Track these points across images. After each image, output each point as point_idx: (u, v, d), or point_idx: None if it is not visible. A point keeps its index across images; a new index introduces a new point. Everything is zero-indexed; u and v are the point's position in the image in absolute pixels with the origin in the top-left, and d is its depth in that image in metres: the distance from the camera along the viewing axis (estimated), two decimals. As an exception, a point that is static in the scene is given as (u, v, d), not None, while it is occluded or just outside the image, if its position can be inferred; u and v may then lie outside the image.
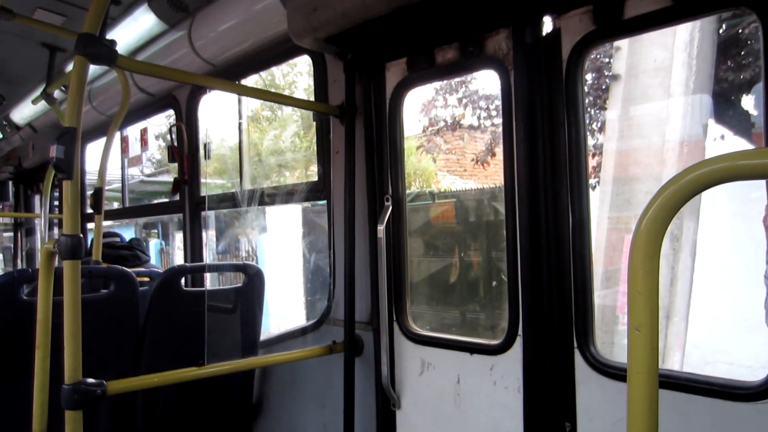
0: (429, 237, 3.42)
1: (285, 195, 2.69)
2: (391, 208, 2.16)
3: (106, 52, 1.57)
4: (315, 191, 2.56)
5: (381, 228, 2.13)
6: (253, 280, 2.58)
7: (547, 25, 1.80)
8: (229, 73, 2.90)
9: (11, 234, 6.85)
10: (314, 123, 2.66)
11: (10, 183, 6.40)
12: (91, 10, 1.56)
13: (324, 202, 2.53)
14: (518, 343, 1.83)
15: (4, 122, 5.02)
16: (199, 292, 2.57)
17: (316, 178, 2.60)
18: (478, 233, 3.66)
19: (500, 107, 1.93)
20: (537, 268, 1.77)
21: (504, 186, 1.86)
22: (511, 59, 1.83)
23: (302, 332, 2.55)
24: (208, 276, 2.99)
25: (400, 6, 1.81)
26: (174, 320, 2.44)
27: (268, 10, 2.39)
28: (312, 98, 2.53)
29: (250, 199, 2.75)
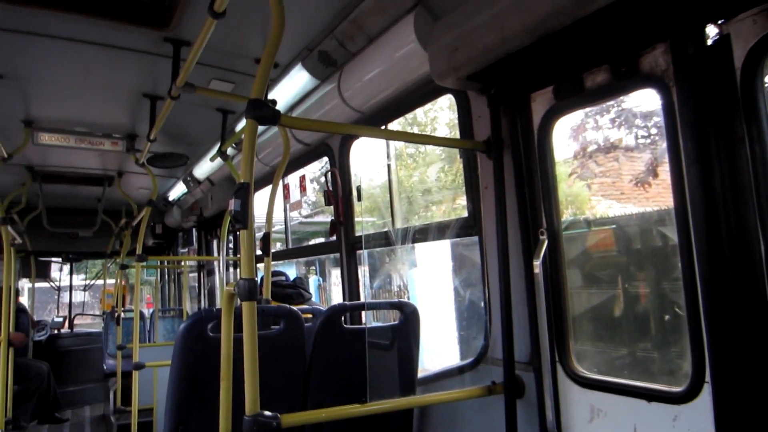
0: (587, 268, 3.20)
1: (436, 232, 2.72)
2: (546, 241, 2.08)
3: (271, 114, 1.73)
4: (466, 227, 2.55)
5: (537, 263, 2.05)
6: (409, 318, 2.62)
7: (711, 32, 1.64)
8: (376, 119, 3.05)
9: (195, 274, 7.74)
10: (459, 158, 2.68)
11: (194, 230, 7.27)
12: (258, 77, 1.74)
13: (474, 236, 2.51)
14: (706, 390, 1.61)
15: (188, 178, 5.76)
16: (359, 329, 2.67)
17: (462, 213, 2.60)
18: (643, 262, 3.34)
19: (662, 125, 1.78)
20: (722, 302, 1.56)
21: (675, 211, 1.69)
22: (671, 75, 1.69)
23: (459, 371, 2.52)
24: (366, 314, 3.10)
25: (543, 35, 1.77)
26: (336, 357, 2.56)
27: (409, 55, 2.48)
28: (455, 132, 2.55)
29: (402, 238, 2.83)
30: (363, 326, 2.84)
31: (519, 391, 2.19)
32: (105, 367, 7.03)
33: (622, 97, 2.30)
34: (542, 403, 2.09)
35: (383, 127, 3.09)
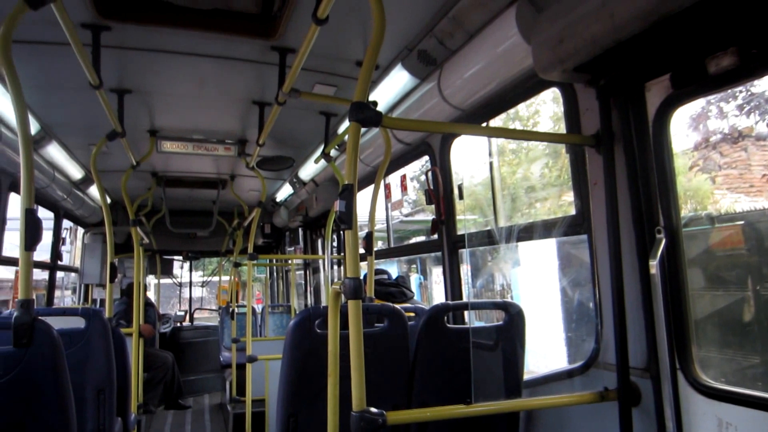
0: (711, 268, 2.95)
1: (541, 230, 2.63)
2: (664, 240, 1.94)
3: (373, 116, 1.76)
4: (573, 225, 2.44)
5: (653, 263, 1.92)
6: (515, 318, 2.56)
7: None
8: (477, 116, 3.00)
9: (302, 272, 8.07)
10: (565, 153, 2.57)
11: (300, 230, 7.57)
12: (360, 80, 1.77)
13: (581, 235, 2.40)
14: None
15: (294, 180, 6.01)
16: (462, 329, 2.65)
17: (569, 210, 2.49)
18: (779, 261, 3.02)
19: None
20: None
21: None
22: None
23: (568, 375, 2.42)
24: (469, 313, 3.06)
25: (659, 20, 1.65)
26: (440, 356, 2.55)
27: (511, 49, 2.41)
28: (560, 126, 2.44)
29: (507, 236, 2.76)
30: (466, 326, 2.80)
31: (635, 398, 2.06)
32: (221, 359, 7.52)
33: (753, 82, 2.09)
34: (661, 412, 1.95)
35: (484, 124, 3.03)
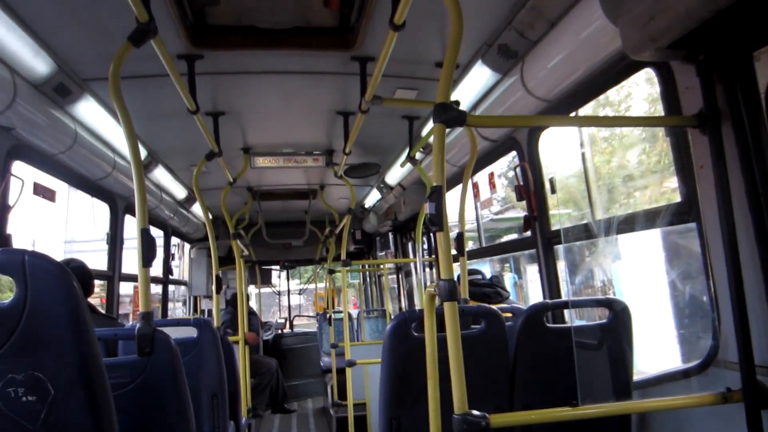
0: None
1: (643, 220, 2.48)
2: None
3: (457, 116, 1.73)
4: (679, 214, 2.27)
5: None
6: (620, 316, 2.42)
7: None
8: (564, 106, 2.89)
9: (394, 276, 8.14)
10: (664, 137, 2.41)
11: (390, 234, 7.65)
12: (441, 81, 1.75)
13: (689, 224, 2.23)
14: None
15: (381, 185, 6.09)
16: (563, 328, 2.55)
17: (673, 197, 2.32)
18: None
19: None
20: None
21: None
22: None
23: (684, 375, 2.25)
24: (570, 312, 2.94)
25: None
26: (541, 356, 2.47)
27: (596, 33, 2.30)
28: (656, 108, 2.29)
29: (605, 229, 2.63)
30: (568, 325, 2.70)
31: (763, 399, 1.88)
32: (322, 364, 7.74)
33: None
34: None
35: (573, 114, 2.92)
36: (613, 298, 2.55)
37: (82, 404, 1.28)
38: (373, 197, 6.90)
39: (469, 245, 4.94)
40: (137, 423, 1.93)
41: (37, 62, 2.75)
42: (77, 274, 2.74)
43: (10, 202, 2.98)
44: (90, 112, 3.40)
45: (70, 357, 1.26)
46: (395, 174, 5.46)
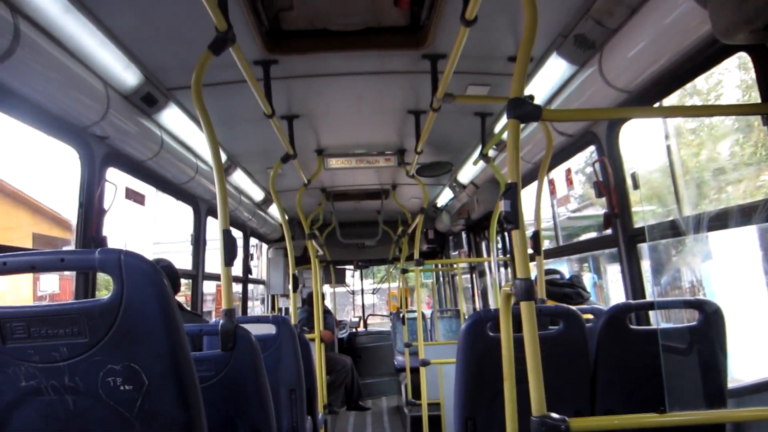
0: None
1: (738, 216, 2.30)
2: None
3: (532, 110, 1.68)
4: (779, 209, 2.10)
5: None
6: (711, 318, 2.27)
7: None
8: (647, 97, 2.74)
9: (467, 276, 8.05)
10: (760, 126, 2.23)
11: (463, 233, 7.57)
12: (515, 75, 1.71)
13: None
14: None
15: (454, 183, 6.03)
16: (648, 331, 2.42)
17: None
18: None
19: None
20: None
21: None
22: None
23: (787, 382, 2.08)
24: (656, 314, 2.79)
25: None
26: (624, 360, 2.35)
27: (682, 18, 2.16)
28: (751, 95, 2.12)
29: (694, 226, 2.47)
30: (653, 327, 2.56)
31: None
32: (396, 363, 7.77)
33: None
34: None
35: (657, 105, 2.76)
36: (704, 299, 2.39)
37: (174, 394, 1.35)
38: (445, 196, 6.85)
39: (546, 244, 4.81)
40: (221, 415, 2.01)
41: (127, 74, 2.93)
42: (166, 272, 2.90)
43: (106, 206, 3.19)
44: (174, 119, 3.59)
45: (162, 350, 1.33)
46: (468, 172, 5.39)
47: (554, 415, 1.55)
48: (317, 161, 4.85)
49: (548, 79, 3.21)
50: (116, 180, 3.29)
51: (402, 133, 4.49)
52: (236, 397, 2.05)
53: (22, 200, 17.00)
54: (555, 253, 4.68)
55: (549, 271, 3.62)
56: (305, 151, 4.63)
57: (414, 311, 7.49)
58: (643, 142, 3.45)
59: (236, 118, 3.90)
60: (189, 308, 4.53)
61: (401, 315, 7.11)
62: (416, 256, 4.76)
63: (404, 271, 6.56)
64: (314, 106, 3.85)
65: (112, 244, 3.27)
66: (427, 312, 8.50)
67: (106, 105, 2.84)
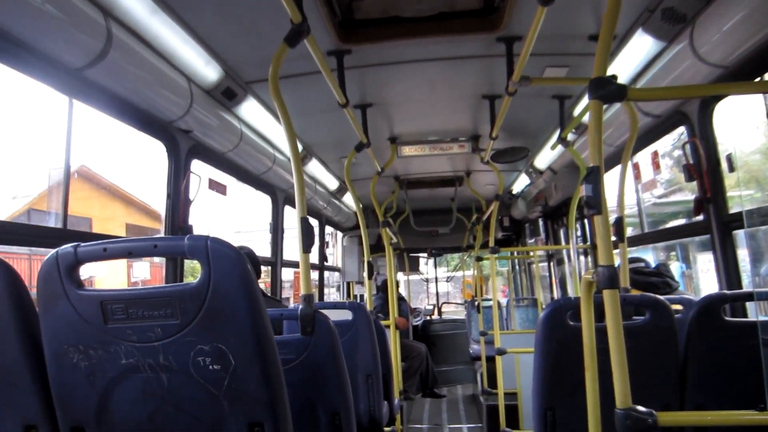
0: None
1: None
2: None
3: (616, 90, 1.60)
4: None
5: None
6: (820, 310, 2.09)
7: None
8: (746, 72, 2.54)
9: (544, 264, 7.84)
10: None
11: (540, 220, 7.38)
12: (598, 54, 1.63)
13: None
14: None
15: (530, 169, 5.88)
16: (745, 323, 2.26)
17: None
18: None
19: None
20: None
21: None
22: None
23: None
24: (756, 305, 2.59)
25: None
26: (717, 353, 2.21)
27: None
28: None
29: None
30: (752, 320, 2.38)
31: None
32: (471, 351, 7.72)
33: None
34: None
35: (757, 80, 2.55)
36: (813, 290, 2.20)
37: (259, 375, 1.41)
38: (521, 182, 6.69)
39: (629, 232, 4.59)
40: (302, 397, 2.08)
41: (208, 70, 3.06)
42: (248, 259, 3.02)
43: (191, 197, 3.36)
44: (252, 112, 3.71)
45: (246, 332, 1.39)
46: (545, 157, 5.23)
47: (640, 408, 1.49)
48: (390, 149, 4.87)
49: (632, 57, 3.05)
50: (200, 171, 3.46)
51: (476, 118, 4.41)
52: (316, 380, 2.11)
53: (117, 193, 18.31)
54: (639, 240, 4.46)
55: (633, 260, 3.45)
56: (378, 139, 4.65)
57: (489, 299, 7.40)
58: (740, 122, 3.20)
59: (311, 109, 3.98)
60: (269, 294, 4.70)
61: (476, 303, 7.04)
62: (491, 243, 4.68)
63: (479, 259, 6.48)
64: (387, 94, 3.85)
65: (197, 232, 3.45)
66: (503, 300, 8.37)
67: (189, 100, 2.98)
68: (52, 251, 1.45)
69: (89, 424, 1.49)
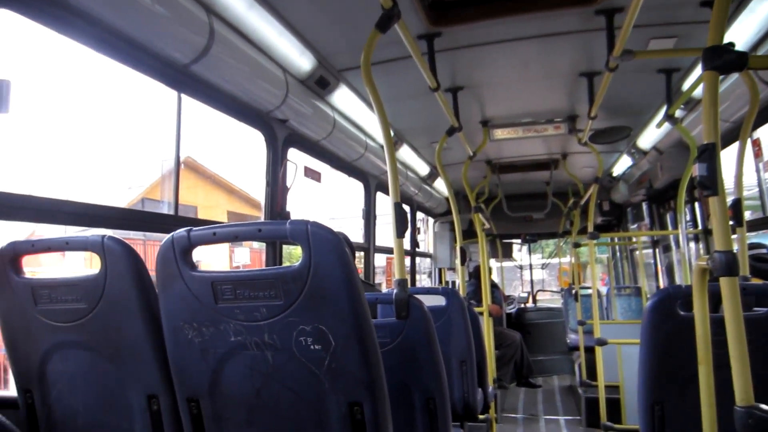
0: None
1: None
2: None
3: (735, 59, 1.46)
4: None
5: None
6: None
7: None
8: None
9: (648, 251, 7.40)
10: None
11: (644, 204, 6.95)
12: (713, 20, 1.49)
13: None
14: None
15: (632, 150, 5.53)
16: None
17: None
18: None
19: None
20: None
21: None
22: None
23: None
24: None
25: None
26: None
27: None
28: None
29: None
30: None
31: None
32: (568, 341, 7.47)
33: None
34: None
35: None
36: None
37: (357, 356, 1.44)
38: (622, 164, 6.32)
39: (748, 215, 4.20)
40: (397, 380, 2.10)
41: (302, 60, 3.14)
42: None
43: (288, 184, 3.48)
44: (344, 99, 3.77)
45: (345, 313, 1.43)
46: (649, 136, 4.90)
47: (764, 406, 1.37)
48: (482, 133, 4.77)
49: (751, 23, 2.75)
50: (295, 159, 3.58)
51: (573, 97, 4.21)
52: (411, 364, 2.12)
53: (219, 182, 19.44)
54: (761, 224, 4.07)
55: (753, 245, 3.16)
56: (470, 123, 4.57)
57: (587, 288, 7.10)
58: None
59: (401, 94, 3.98)
60: (363, 279, 4.79)
61: (573, 291, 6.78)
62: (590, 229, 4.48)
63: (576, 245, 6.23)
64: (478, 76, 3.77)
65: (294, 218, 3.57)
66: (602, 289, 8.00)
67: (285, 90, 3.08)
68: (167, 236, 1.56)
69: (203, 396, 1.59)
